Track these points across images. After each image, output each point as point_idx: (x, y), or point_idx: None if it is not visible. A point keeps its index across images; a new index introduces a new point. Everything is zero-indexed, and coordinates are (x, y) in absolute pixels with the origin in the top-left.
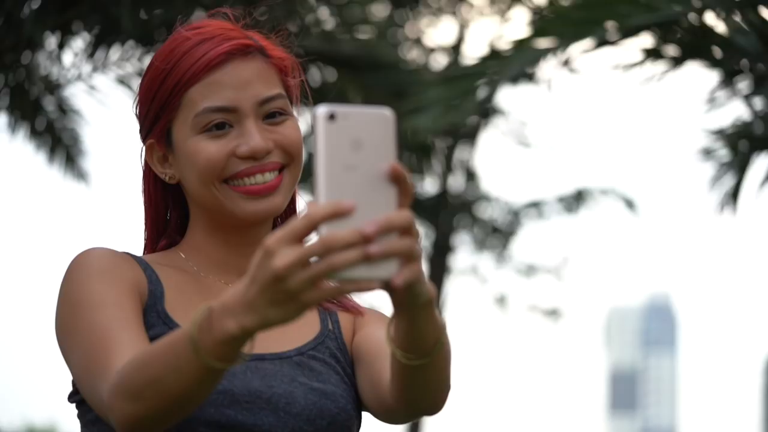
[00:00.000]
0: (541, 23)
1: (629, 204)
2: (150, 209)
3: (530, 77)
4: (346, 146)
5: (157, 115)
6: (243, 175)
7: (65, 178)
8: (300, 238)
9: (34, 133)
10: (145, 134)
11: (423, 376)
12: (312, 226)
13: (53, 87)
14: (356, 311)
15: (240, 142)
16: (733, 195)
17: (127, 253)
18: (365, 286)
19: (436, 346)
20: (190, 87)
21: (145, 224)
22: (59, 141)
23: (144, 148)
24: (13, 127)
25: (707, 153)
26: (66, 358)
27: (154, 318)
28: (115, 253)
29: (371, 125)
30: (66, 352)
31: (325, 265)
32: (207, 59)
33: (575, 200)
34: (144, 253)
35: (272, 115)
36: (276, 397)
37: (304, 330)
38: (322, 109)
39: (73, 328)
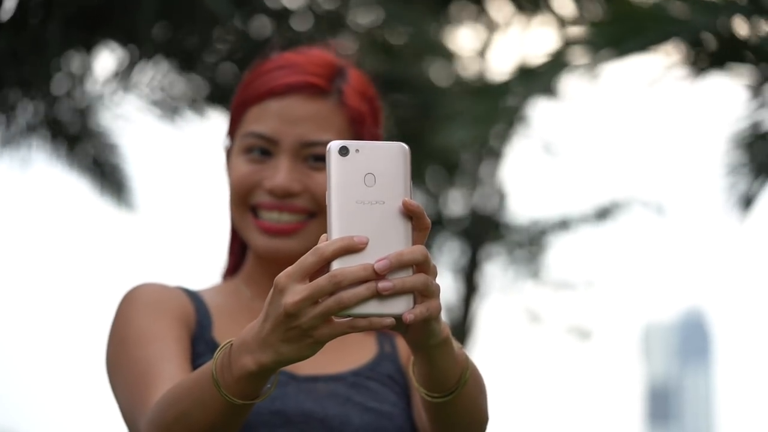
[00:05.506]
0: (572, 35)
1: (659, 211)
2: (232, 230)
3: (555, 93)
4: (359, 181)
5: (228, 124)
6: (264, 208)
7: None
8: (310, 274)
9: (74, 161)
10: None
11: (451, 412)
12: (323, 262)
13: (87, 112)
14: None
15: (270, 174)
16: (747, 200)
17: (179, 287)
18: (378, 323)
19: (459, 383)
20: (251, 107)
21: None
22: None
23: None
24: (54, 156)
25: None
26: (114, 394)
27: (203, 347)
28: (163, 287)
29: (385, 159)
30: (113, 389)
31: (334, 301)
32: (271, 86)
33: (606, 213)
34: (224, 272)
35: (317, 159)
36: (330, 418)
37: (360, 352)
38: (335, 144)
39: (118, 364)
